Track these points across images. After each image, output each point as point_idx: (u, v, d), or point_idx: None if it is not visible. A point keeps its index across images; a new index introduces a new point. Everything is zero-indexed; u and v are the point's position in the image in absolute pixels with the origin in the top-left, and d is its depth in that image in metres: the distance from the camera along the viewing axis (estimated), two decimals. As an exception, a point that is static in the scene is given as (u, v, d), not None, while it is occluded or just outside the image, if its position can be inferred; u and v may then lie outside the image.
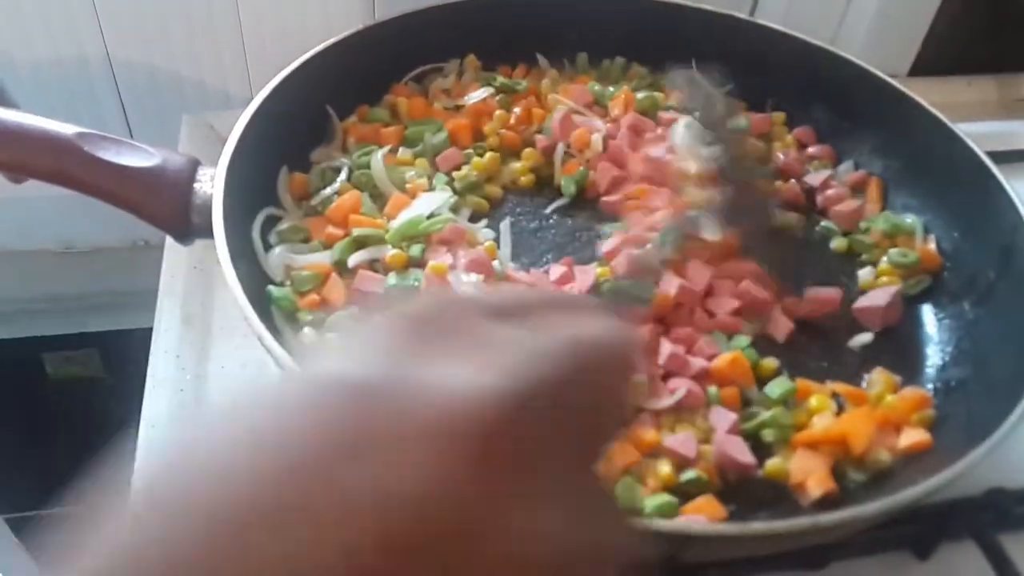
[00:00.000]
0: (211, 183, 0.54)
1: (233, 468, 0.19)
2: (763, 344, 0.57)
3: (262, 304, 0.53)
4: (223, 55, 0.83)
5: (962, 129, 0.65)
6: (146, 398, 0.61)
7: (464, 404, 0.19)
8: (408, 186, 0.63)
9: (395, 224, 0.59)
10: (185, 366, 0.64)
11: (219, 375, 0.63)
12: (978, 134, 0.69)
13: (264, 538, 0.17)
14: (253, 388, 0.22)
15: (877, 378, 0.56)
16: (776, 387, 0.53)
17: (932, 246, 0.64)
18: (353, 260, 0.57)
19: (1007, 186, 0.60)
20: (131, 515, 0.19)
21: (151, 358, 0.65)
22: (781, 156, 0.72)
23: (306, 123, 0.67)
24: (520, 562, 0.19)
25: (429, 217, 0.60)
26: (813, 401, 0.53)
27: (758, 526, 0.37)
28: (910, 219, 0.66)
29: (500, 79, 0.73)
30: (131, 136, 0.88)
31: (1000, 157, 0.76)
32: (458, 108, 0.72)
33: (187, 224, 0.53)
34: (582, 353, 0.22)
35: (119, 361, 1.09)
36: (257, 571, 0.17)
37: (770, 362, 0.55)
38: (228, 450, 0.19)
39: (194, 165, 0.55)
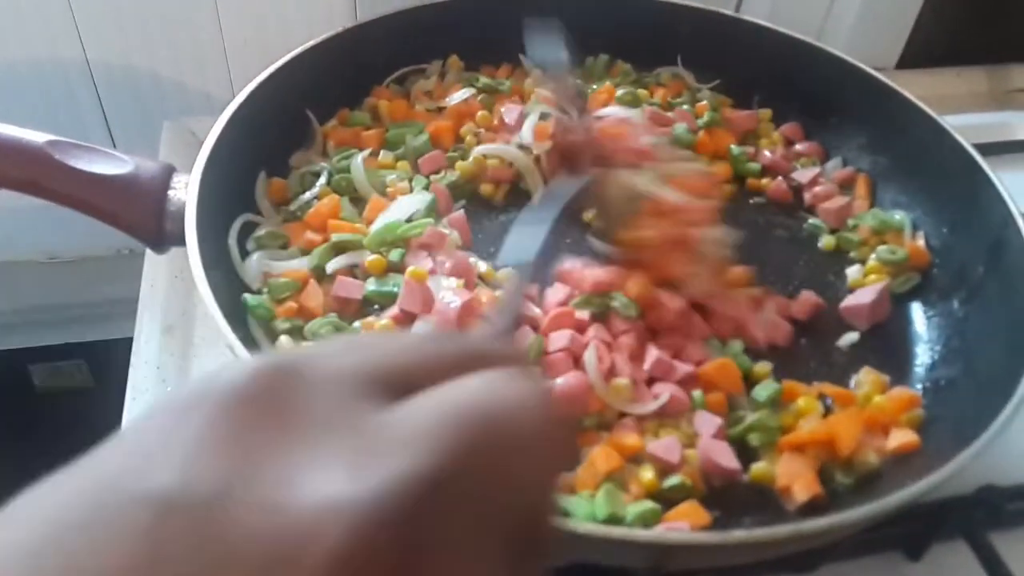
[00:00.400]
0: (186, 190, 0.53)
1: None
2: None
3: (238, 314, 0.52)
4: (204, 58, 0.82)
5: (951, 122, 0.65)
6: (126, 411, 0.61)
7: (327, 520, 0.15)
8: (389, 190, 0.62)
9: (373, 228, 0.58)
10: (166, 377, 0.63)
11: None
12: (968, 126, 0.68)
13: None
14: (42, 490, 0.17)
15: (865, 378, 0.55)
16: (763, 390, 0.52)
17: (921, 242, 0.63)
18: (332, 266, 0.56)
19: (996, 180, 0.59)
20: None
21: (131, 369, 0.64)
22: (768, 153, 0.71)
23: (285, 127, 0.65)
24: None
25: (408, 221, 0.59)
26: (800, 403, 0.52)
27: (738, 535, 0.36)
28: (899, 216, 0.65)
29: (483, 79, 0.72)
30: (112, 142, 0.87)
31: (991, 149, 0.76)
32: (440, 110, 0.71)
33: (161, 232, 0.52)
34: (488, 426, 0.17)
35: (107, 371, 1.08)
36: None
37: (763, 367, 0.55)
38: (17, 554, 0.15)
39: (168, 172, 0.54)
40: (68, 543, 0.15)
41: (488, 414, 0.17)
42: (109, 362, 1.05)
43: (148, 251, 0.66)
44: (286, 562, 0.14)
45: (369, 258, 0.56)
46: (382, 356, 0.18)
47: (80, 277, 0.98)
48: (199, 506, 0.15)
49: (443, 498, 0.15)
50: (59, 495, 0.16)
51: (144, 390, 0.61)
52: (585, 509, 0.45)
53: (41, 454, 1.06)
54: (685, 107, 0.73)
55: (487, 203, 0.66)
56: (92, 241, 0.94)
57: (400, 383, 0.18)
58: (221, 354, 0.63)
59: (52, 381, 1.11)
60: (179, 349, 0.64)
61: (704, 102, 0.74)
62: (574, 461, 0.41)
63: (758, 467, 0.49)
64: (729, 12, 0.77)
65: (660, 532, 0.43)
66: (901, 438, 0.50)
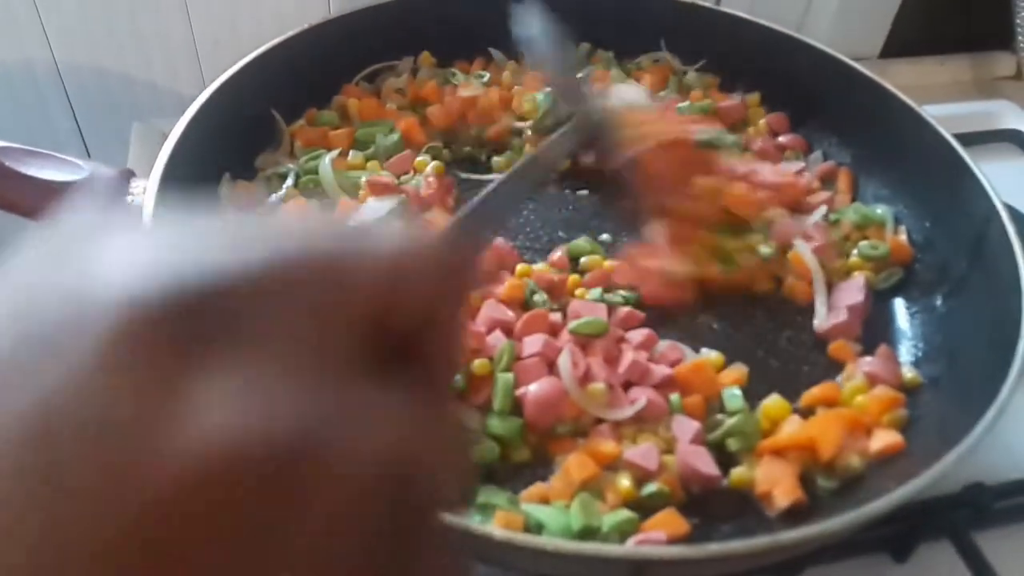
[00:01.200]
0: (144, 195, 0.51)
1: None
2: (729, 344, 0.55)
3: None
4: (175, 58, 0.80)
5: (935, 111, 0.63)
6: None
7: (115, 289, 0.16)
8: (361, 192, 0.61)
9: None
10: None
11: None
12: (952, 116, 0.67)
13: None
14: None
15: (851, 371, 0.54)
16: (733, 395, 0.51)
17: (903, 237, 0.62)
18: None
19: (978, 172, 0.58)
20: None
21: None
22: (760, 142, 0.70)
23: (251, 128, 0.64)
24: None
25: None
26: (770, 403, 0.50)
27: (712, 549, 0.35)
28: (880, 210, 0.64)
29: (458, 74, 0.71)
30: (85, 145, 0.85)
31: (975, 138, 0.75)
32: (414, 108, 0.69)
33: (119, 240, 0.51)
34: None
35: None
36: None
37: (739, 369, 0.53)
38: None
39: (126, 177, 0.52)
40: None
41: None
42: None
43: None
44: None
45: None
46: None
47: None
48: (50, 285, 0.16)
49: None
50: None
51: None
52: (559, 521, 0.43)
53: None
54: (673, 96, 0.72)
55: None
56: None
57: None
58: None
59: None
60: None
61: (697, 90, 0.73)
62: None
63: (737, 472, 0.48)
64: (709, 4, 0.76)
65: (632, 548, 0.41)
66: (885, 439, 0.49)
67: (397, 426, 0.18)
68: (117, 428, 0.15)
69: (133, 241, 0.18)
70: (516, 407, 0.48)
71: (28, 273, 0.17)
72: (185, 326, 0.16)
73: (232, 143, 0.61)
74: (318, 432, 0.16)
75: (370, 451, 0.17)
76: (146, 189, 0.51)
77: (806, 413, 0.51)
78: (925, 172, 0.63)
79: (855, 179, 0.68)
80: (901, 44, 0.92)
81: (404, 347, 0.19)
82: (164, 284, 0.16)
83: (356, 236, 0.19)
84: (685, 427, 0.49)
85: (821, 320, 0.57)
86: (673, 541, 0.43)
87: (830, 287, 0.59)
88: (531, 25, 0.55)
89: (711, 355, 0.54)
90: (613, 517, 0.44)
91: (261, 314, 0.16)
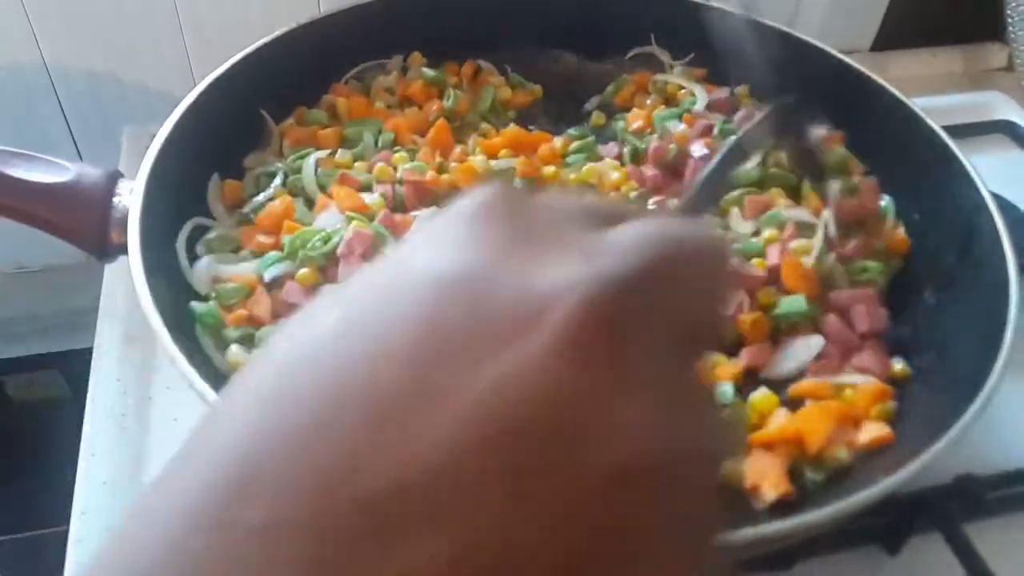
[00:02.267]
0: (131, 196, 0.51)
1: (333, 353, 0.18)
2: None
3: (187, 324, 0.51)
4: (165, 59, 0.80)
5: (928, 103, 0.63)
6: (85, 424, 0.59)
7: (563, 294, 0.19)
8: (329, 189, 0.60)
9: (285, 239, 0.55)
10: (127, 390, 0.61)
11: (164, 397, 0.60)
12: (944, 107, 0.67)
13: (361, 431, 0.17)
14: (337, 287, 0.22)
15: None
16: (724, 390, 0.51)
17: (901, 230, 0.62)
18: (269, 274, 0.53)
19: (968, 166, 0.58)
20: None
21: (90, 382, 0.62)
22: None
23: (240, 127, 0.64)
24: (623, 458, 0.18)
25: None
26: (758, 397, 0.50)
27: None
28: (883, 202, 0.63)
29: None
30: (76, 148, 0.86)
31: (967, 130, 0.75)
32: (402, 107, 0.69)
33: (105, 241, 0.51)
34: (676, 247, 0.21)
35: (84, 381, 1.07)
36: (351, 463, 0.16)
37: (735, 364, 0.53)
38: (323, 337, 0.19)
39: (113, 178, 0.52)
40: (367, 323, 0.19)
41: (686, 238, 0.21)
42: (85, 372, 1.04)
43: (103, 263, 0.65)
44: (532, 320, 0.18)
45: (301, 271, 0.53)
46: (590, 201, 0.24)
47: (49, 287, 0.96)
48: (467, 281, 0.19)
49: (648, 290, 0.19)
50: (354, 289, 0.20)
51: (102, 404, 0.60)
52: None
53: (20, 465, 1.06)
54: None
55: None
56: (59, 250, 0.92)
57: (607, 218, 0.22)
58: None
59: (28, 393, 1.10)
60: (140, 360, 0.63)
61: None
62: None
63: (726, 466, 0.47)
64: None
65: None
66: (873, 432, 0.49)
67: (715, 425, 0.21)
68: (578, 401, 0.18)
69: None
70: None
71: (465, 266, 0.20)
72: (619, 319, 0.19)
73: (221, 143, 0.61)
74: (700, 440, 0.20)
75: (715, 452, 0.20)
76: (133, 190, 0.51)
77: (795, 405, 0.51)
78: (915, 165, 0.62)
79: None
80: (893, 36, 0.92)
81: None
82: (602, 279, 0.19)
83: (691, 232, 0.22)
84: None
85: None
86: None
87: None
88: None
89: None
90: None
91: (656, 310, 0.20)
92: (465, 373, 0.18)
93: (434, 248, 0.21)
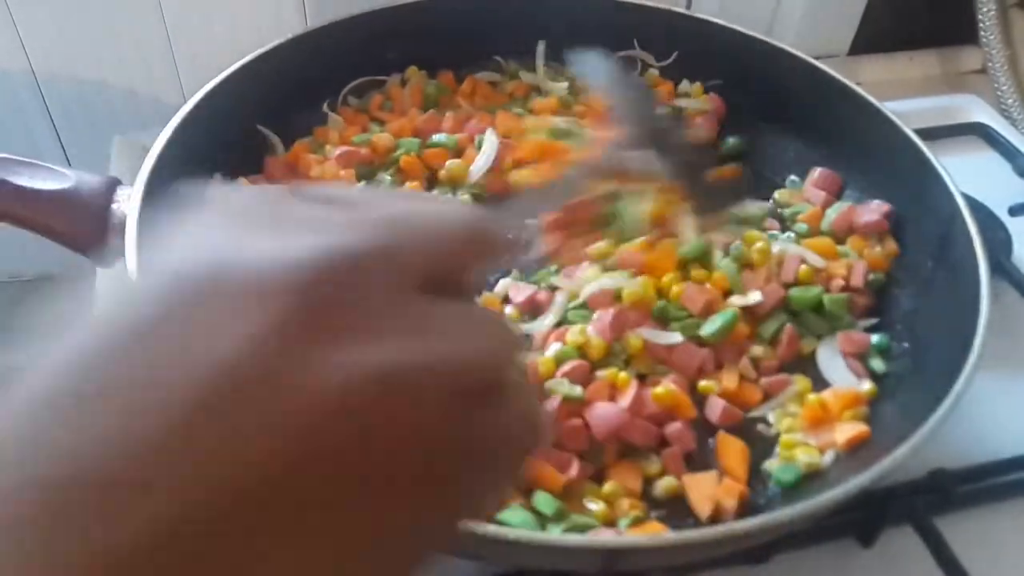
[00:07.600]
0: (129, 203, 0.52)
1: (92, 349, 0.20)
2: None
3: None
4: (153, 69, 0.81)
5: (904, 107, 0.64)
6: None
7: (278, 266, 0.21)
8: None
9: None
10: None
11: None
12: (920, 110, 0.67)
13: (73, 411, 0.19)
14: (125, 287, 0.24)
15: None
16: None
17: (892, 244, 0.63)
18: None
19: (942, 171, 0.58)
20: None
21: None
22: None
23: (235, 138, 0.65)
24: (332, 386, 0.20)
25: None
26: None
27: (669, 536, 0.36)
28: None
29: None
30: (66, 157, 0.86)
31: (942, 132, 0.77)
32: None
33: (105, 246, 0.52)
34: (411, 221, 0.24)
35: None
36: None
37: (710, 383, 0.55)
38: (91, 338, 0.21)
39: (112, 185, 0.54)
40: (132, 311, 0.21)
41: (425, 214, 0.25)
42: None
43: (100, 270, 0.66)
44: (264, 281, 0.21)
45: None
46: (423, 250, 0.24)
47: (45, 296, 0.96)
48: (209, 266, 0.21)
49: (364, 255, 0.22)
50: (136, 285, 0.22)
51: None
52: (521, 516, 0.44)
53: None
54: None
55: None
56: (55, 258, 0.93)
57: (343, 201, 0.24)
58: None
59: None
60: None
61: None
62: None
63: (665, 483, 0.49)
64: (680, 9, 0.77)
65: (597, 538, 0.43)
66: (849, 432, 0.50)
67: (473, 330, 0.23)
68: (280, 365, 0.20)
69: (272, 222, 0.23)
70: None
71: (200, 240, 0.22)
72: (321, 293, 0.21)
73: (218, 152, 0.62)
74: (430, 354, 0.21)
75: (470, 351, 0.22)
76: (131, 197, 0.52)
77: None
78: (890, 170, 0.64)
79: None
80: (870, 41, 0.93)
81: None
82: (310, 258, 0.21)
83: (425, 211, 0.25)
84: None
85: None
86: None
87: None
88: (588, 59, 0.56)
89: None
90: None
91: (366, 278, 0.22)
92: (177, 341, 0.20)
93: (177, 246, 0.23)
